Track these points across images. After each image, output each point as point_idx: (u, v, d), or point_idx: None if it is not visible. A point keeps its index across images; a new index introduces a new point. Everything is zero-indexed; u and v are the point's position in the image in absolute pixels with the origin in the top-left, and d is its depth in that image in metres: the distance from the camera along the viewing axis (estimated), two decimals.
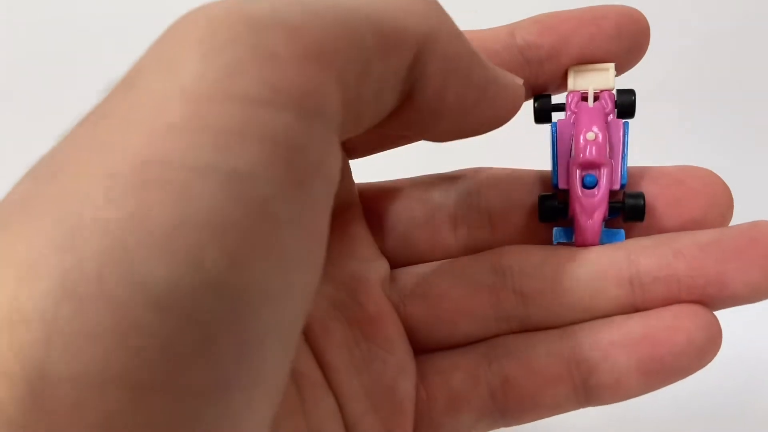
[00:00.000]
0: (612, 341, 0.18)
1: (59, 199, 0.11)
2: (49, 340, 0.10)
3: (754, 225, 0.18)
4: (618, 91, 0.20)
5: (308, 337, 0.18)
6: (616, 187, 0.19)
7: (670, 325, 0.18)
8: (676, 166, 0.20)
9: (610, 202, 0.19)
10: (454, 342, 0.20)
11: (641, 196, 0.19)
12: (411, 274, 0.21)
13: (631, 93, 0.20)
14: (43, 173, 0.12)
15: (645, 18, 0.19)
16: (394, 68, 0.14)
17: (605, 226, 0.20)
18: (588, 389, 0.19)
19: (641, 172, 0.20)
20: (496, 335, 0.20)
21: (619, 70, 0.20)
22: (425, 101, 0.15)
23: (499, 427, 0.20)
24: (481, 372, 0.19)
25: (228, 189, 0.11)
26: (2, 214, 0.12)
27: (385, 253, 0.21)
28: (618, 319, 0.19)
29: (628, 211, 0.19)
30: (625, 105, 0.20)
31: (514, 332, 0.20)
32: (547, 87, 0.20)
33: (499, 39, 0.19)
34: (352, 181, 0.21)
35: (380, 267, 0.20)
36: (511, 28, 0.19)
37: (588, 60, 0.19)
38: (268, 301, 0.12)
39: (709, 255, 0.18)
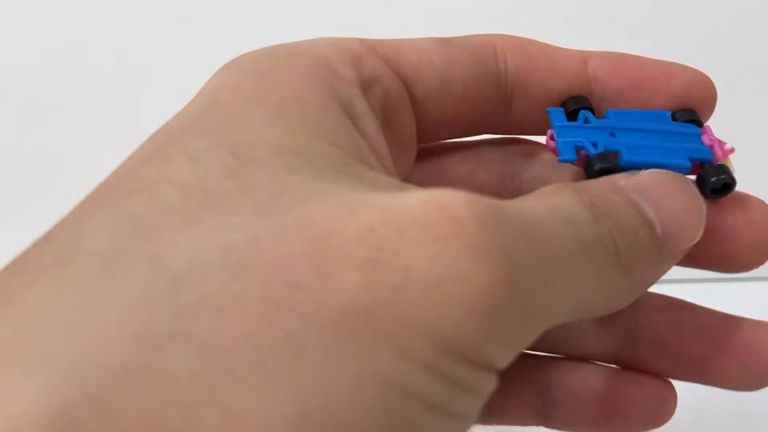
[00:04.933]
0: (577, 390, 0.20)
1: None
2: None
3: (760, 325, 0.19)
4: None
5: None
6: None
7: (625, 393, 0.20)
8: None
9: None
10: None
11: None
12: None
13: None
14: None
15: (713, 85, 0.19)
16: None
17: None
18: (545, 418, 0.21)
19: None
20: None
21: None
22: None
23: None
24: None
25: None
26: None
27: None
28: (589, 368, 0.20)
29: None
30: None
31: None
32: None
33: (571, 63, 0.19)
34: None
35: None
36: (584, 56, 0.19)
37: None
38: None
39: (703, 336, 0.19)
